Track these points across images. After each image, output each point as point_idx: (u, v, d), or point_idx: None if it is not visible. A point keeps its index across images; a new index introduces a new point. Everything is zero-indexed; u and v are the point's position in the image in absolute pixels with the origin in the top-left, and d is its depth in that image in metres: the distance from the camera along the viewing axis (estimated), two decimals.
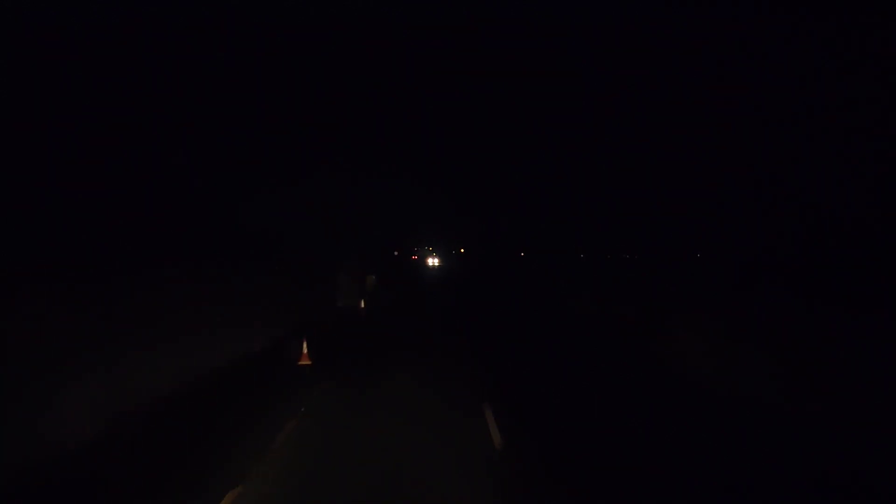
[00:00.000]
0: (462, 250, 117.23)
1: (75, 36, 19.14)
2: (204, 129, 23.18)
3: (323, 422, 10.93)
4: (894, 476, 8.07)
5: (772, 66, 27.76)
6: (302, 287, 25.20)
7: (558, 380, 14.43)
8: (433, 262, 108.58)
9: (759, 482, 7.96)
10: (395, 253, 76.62)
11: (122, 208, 16.55)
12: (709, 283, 31.26)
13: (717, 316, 18.41)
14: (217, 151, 24.12)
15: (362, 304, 28.93)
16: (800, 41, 24.65)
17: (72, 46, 18.92)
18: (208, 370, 13.83)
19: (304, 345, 15.45)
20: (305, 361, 15.20)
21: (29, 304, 8.96)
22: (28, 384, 8.39)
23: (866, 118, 22.40)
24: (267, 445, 9.43)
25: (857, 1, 22.76)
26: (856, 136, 22.86)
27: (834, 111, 23.94)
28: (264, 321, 18.94)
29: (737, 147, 31.60)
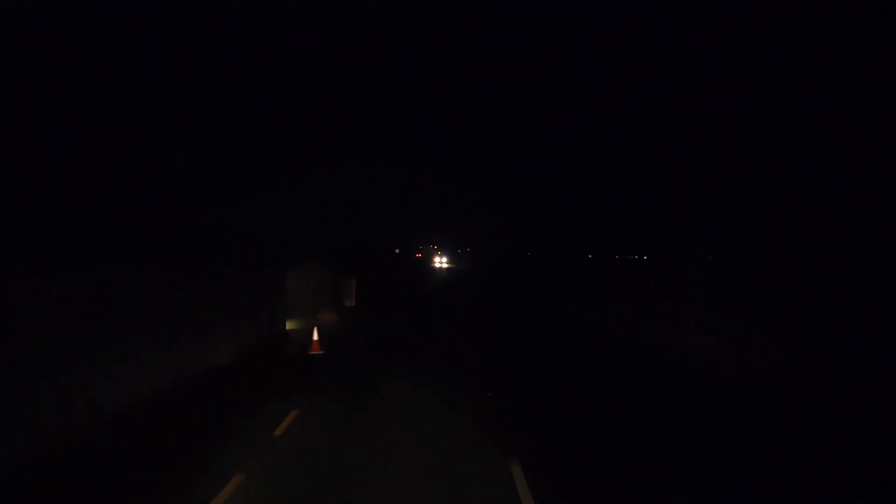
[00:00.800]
0: (468, 249, 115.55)
1: (75, 36, 19.29)
2: (204, 129, 23.29)
3: None
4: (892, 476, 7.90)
5: (772, 67, 27.70)
6: (231, 304, 14.67)
7: None
8: (440, 262, 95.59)
9: None
10: (396, 251, 70.60)
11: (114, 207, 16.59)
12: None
13: None
14: (217, 151, 24.21)
15: (315, 336, 15.25)
16: (800, 41, 24.60)
17: (72, 46, 19.07)
18: None
19: None
20: None
21: None
22: None
23: (866, 118, 22.33)
24: None
25: (857, 1, 22.70)
26: (856, 136, 22.79)
27: (834, 111, 23.87)
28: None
29: (743, 148, 31.50)
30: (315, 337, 15.31)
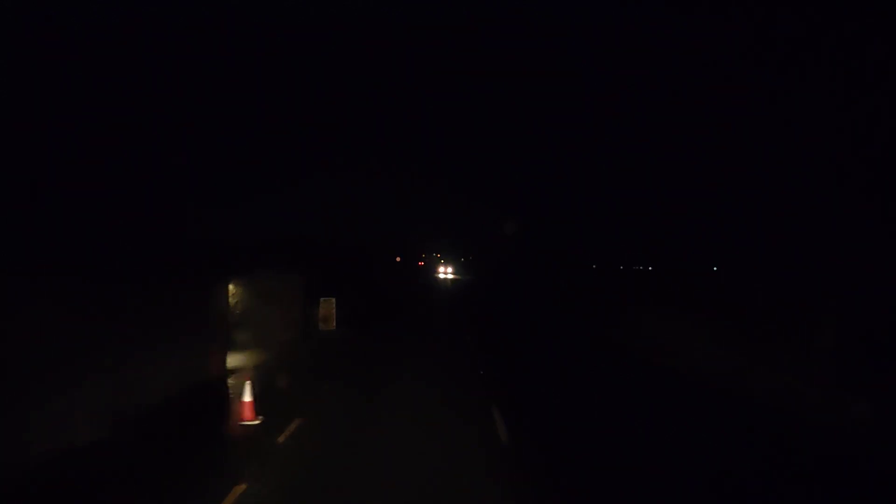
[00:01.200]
0: (472, 259, 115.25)
1: (75, 36, 19.38)
2: (204, 129, 23.31)
3: None
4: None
5: (772, 67, 27.68)
6: (115, 336, 9.29)
7: None
8: (445, 273, 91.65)
9: None
10: (398, 259, 69.21)
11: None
12: None
13: None
14: (217, 151, 24.19)
15: (248, 395, 9.71)
16: (800, 41, 24.59)
17: (72, 46, 19.16)
18: None
19: None
20: None
21: None
22: None
23: (866, 118, 22.27)
24: None
25: (856, 3, 22.71)
26: (856, 136, 22.73)
27: (834, 111, 23.82)
28: None
29: (745, 148, 31.39)
30: (247, 397, 9.65)
